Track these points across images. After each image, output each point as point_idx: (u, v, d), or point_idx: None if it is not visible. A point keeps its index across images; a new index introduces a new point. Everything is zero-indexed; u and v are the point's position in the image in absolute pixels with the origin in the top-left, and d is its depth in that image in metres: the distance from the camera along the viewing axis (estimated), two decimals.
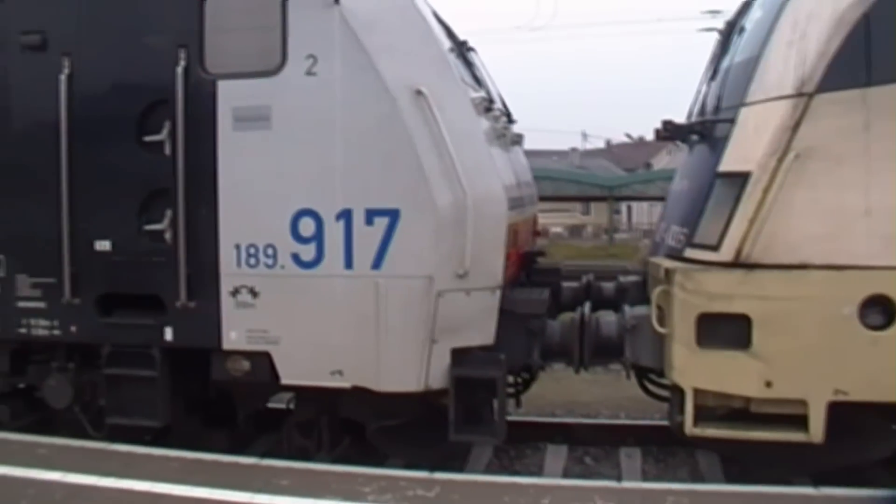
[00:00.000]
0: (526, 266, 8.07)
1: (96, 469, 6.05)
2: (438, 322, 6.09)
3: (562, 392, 10.46)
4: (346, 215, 6.15)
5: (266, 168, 6.31)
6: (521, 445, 8.57)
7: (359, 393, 6.34)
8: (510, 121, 8.37)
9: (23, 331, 7.06)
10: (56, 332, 6.96)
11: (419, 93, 6.04)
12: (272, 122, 6.29)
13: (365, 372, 6.21)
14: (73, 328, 6.90)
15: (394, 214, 6.06)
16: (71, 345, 7.13)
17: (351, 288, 6.17)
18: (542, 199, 11.82)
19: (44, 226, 6.86)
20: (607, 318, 7.06)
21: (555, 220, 53.43)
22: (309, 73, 6.19)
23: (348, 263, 6.17)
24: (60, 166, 6.76)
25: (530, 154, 8.83)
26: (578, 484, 6.36)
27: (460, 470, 7.49)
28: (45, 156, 6.82)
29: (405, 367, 6.16)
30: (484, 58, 8.50)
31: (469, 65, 7.67)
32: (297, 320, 6.32)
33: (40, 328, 7.01)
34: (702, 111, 7.45)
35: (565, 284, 8.29)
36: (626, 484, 6.35)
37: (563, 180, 44.93)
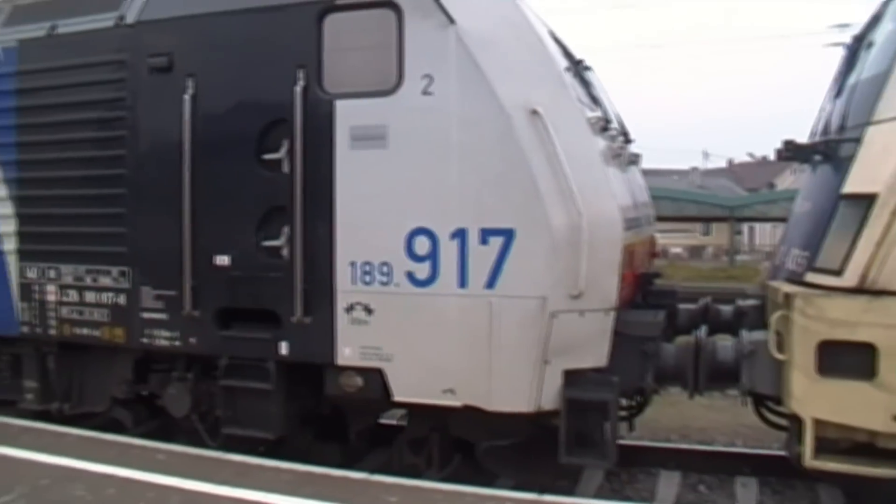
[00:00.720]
0: (642, 287, 7.92)
1: (211, 477, 6.20)
2: (551, 343, 6.02)
3: (676, 417, 10.23)
4: (461, 234, 6.15)
5: (382, 186, 6.37)
6: (633, 469, 8.40)
7: (470, 412, 6.32)
8: (627, 140, 8.25)
9: (146, 341, 7.30)
10: (176, 342, 7.17)
11: (535, 112, 6.00)
12: (388, 141, 6.34)
13: (477, 391, 6.18)
14: (192, 339, 7.10)
15: (508, 234, 6.03)
16: (190, 355, 7.33)
17: (465, 307, 6.15)
18: (662, 219, 11.63)
19: (167, 240, 7.08)
20: (724, 342, 6.86)
21: (674, 241, 52.51)
22: (425, 92, 6.22)
23: (462, 282, 6.16)
24: (183, 183, 6.98)
25: (650, 173, 8.70)
26: None
27: (570, 492, 7.38)
28: (169, 173, 7.06)
29: (517, 387, 6.11)
30: (604, 76, 8.41)
31: (586, 84, 7.59)
32: (410, 338, 6.34)
33: (162, 339, 7.23)
34: (825, 130, 7.17)
35: (682, 307, 8.09)
36: None
37: (684, 200, 44.05)
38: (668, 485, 8.10)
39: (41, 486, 6.04)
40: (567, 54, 7.49)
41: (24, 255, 7.95)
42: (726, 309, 7.96)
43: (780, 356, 5.97)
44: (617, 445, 6.26)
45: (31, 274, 7.91)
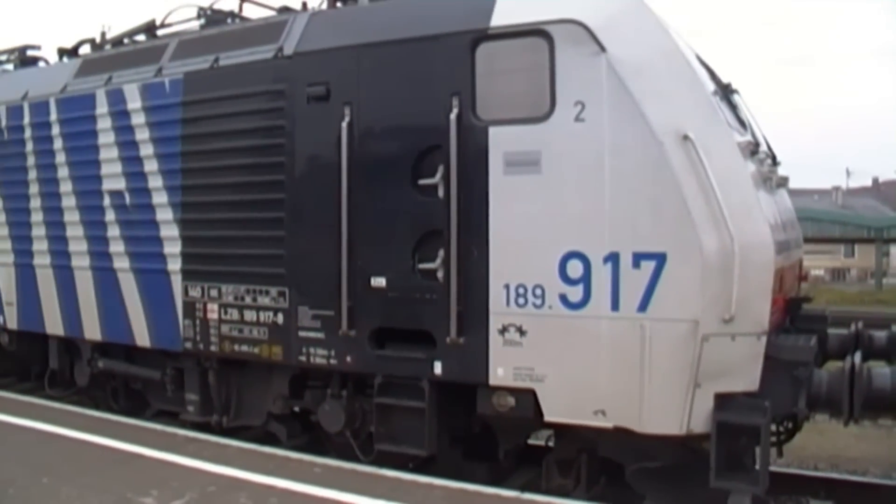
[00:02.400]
0: (791, 311, 7.82)
1: (367, 491, 6.42)
2: (703, 366, 6.02)
3: (825, 445, 10.03)
4: (613, 258, 6.22)
5: (536, 211, 6.49)
6: (781, 497, 8.31)
7: (619, 434, 6.37)
8: (775, 163, 8.19)
9: (302, 358, 7.61)
10: (333, 361, 7.44)
11: (686, 137, 6.04)
12: (542, 166, 6.46)
13: (628, 413, 6.23)
14: (348, 358, 7.35)
15: (660, 258, 6.07)
16: (345, 373, 7.61)
17: (617, 329, 6.22)
18: (807, 241, 11.39)
19: (324, 262, 7.36)
20: (880, 369, 6.74)
21: (816, 263, 50.90)
22: (577, 119, 6.32)
23: (615, 305, 6.22)
24: (341, 207, 7.26)
25: (789, 193, 8.56)
26: None
27: None
28: (327, 197, 7.34)
29: (668, 409, 6.13)
30: (746, 92, 8.36)
31: (733, 107, 7.59)
32: (562, 359, 6.43)
33: (318, 356, 7.52)
34: None
35: (832, 332, 7.94)
36: None
37: (827, 221, 42.72)
38: None
39: (209, 493, 6.42)
40: (714, 78, 7.50)
41: (187, 275, 8.41)
42: (880, 335, 7.79)
43: None
44: (768, 472, 6.20)
45: (194, 293, 8.36)
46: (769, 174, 7.14)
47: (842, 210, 54.51)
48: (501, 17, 6.67)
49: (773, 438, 7.30)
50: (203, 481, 6.68)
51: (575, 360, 6.38)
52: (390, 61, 7.14)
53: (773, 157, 8.22)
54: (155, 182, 8.58)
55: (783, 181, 8.09)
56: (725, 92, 7.60)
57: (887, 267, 54.25)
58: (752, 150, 6.87)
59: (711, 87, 6.97)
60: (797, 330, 7.55)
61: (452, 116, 6.74)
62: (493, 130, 6.67)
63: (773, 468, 7.74)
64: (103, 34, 10.42)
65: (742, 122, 7.58)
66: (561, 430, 7.11)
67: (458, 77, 6.79)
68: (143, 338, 8.85)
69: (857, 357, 6.81)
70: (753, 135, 7.62)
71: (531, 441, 8.09)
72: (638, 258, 6.15)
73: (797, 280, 8.35)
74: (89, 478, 6.76)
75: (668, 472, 6.81)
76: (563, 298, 6.40)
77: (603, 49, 6.27)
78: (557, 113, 6.41)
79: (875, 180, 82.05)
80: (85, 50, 10.52)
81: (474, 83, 6.76)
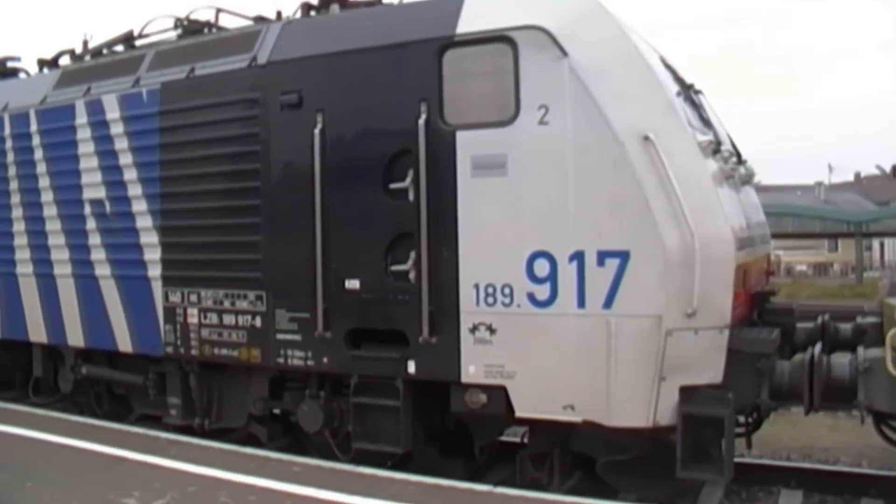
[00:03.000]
0: (757, 306, 8.01)
1: (344, 487, 6.59)
2: (667, 360, 6.21)
3: (798, 436, 10.21)
4: (578, 257, 6.40)
5: (503, 212, 6.67)
6: (753, 488, 8.49)
7: (590, 428, 6.55)
8: (740, 160, 8.37)
9: (280, 360, 7.77)
10: (310, 362, 7.61)
11: (647, 138, 6.23)
12: (508, 168, 6.64)
13: (596, 407, 6.41)
14: (324, 359, 7.52)
15: (624, 256, 6.26)
16: (322, 374, 7.77)
17: (583, 326, 6.40)
18: (784, 236, 11.62)
19: (300, 266, 7.53)
20: (840, 359, 6.94)
21: (799, 258, 51.25)
22: (541, 122, 6.51)
23: (581, 303, 6.41)
24: (315, 211, 7.43)
25: (773, 189, 8.84)
26: None
27: None
28: (301, 202, 7.52)
29: (634, 403, 6.32)
30: (720, 89, 8.53)
31: (697, 107, 7.78)
32: (531, 356, 6.61)
33: (296, 358, 7.68)
34: None
35: (800, 325, 8.13)
36: None
37: (807, 216, 43.08)
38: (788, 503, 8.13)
39: (190, 493, 6.57)
40: (678, 79, 7.70)
41: (167, 281, 8.57)
42: (845, 327, 7.99)
43: None
44: (733, 461, 6.37)
45: (174, 298, 8.52)
46: (731, 172, 7.32)
47: (823, 205, 54.86)
48: (467, 25, 6.86)
49: (741, 430, 7.51)
50: (184, 482, 6.83)
51: (544, 357, 6.56)
52: (360, 69, 7.32)
53: (739, 155, 8.41)
54: (134, 190, 8.74)
55: (748, 178, 8.30)
56: (688, 92, 7.79)
57: (870, 261, 54.66)
58: (714, 148, 7.05)
59: (674, 88, 7.17)
60: (764, 323, 7.76)
61: (421, 122, 6.92)
62: (460, 135, 6.85)
63: (746, 459, 8.02)
64: (85, 44, 10.59)
65: (705, 122, 7.78)
66: (535, 425, 7.27)
67: (426, 83, 6.98)
68: (125, 343, 9.00)
69: (818, 348, 7.00)
70: (716, 134, 7.81)
71: (506, 438, 8.25)
72: (602, 256, 6.33)
73: (765, 274, 8.54)
74: (72, 481, 6.90)
75: (638, 464, 6.97)
76: (531, 297, 6.58)
77: (565, 53, 6.45)
78: (522, 116, 6.60)
79: (857, 175, 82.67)
80: (65, 61, 10.66)
81: (441, 89, 6.95)
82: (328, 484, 6.69)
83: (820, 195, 64.03)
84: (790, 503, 8.16)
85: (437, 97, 6.95)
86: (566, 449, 7.26)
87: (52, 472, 7.19)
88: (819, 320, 8.14)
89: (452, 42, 6.90)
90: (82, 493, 6.60)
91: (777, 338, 6.91)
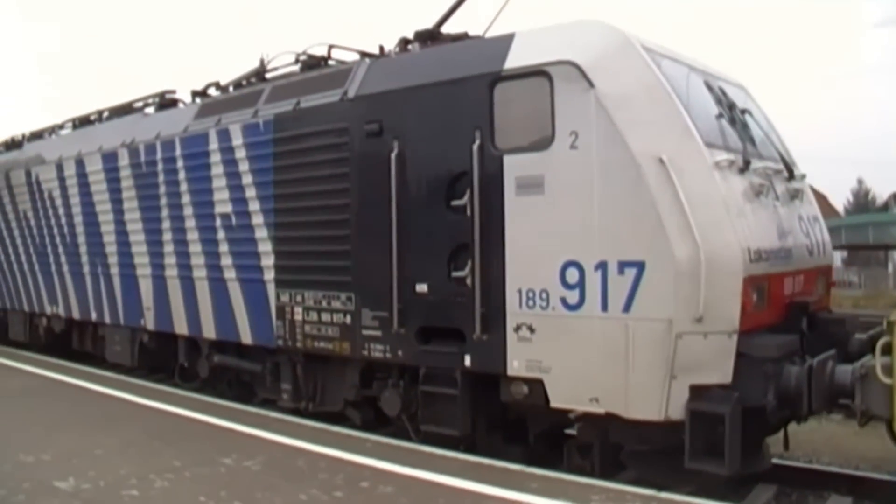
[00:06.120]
0: (803, 314, 8.17)
1: (399, 460, 7.64)
2: (677, 360, 6.87)
3: (858, 444, 10.42)
4: (602, 266, 7.20)
5: (541, 226, 7.56)
6: (804, 491, 8.83)
7: (625, 422, 7.23)
8: (791, 176, 8.74)
9: (365, 353, 8.98)
10: (388, 354, 8.76)
11: (661, 160, 6.96)
12: (545, 188, 7.53)
13: (616, 400, 7.18)
14: (399, 352, 8.66)
15: (640, 265, 7.01)
16: (400, 366, 8.91)
17: (606, 327, 7.19)
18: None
19: (381, 271, 8.69)
20: (843, 366, 7.36)
21: None
22: (572, 146, 7.35)
23: (604, 307, 7.20)
24: (392, 225, 8.58)
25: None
26: None
27: None
28: (381, 217, 8.68)
29: (648, 398, 7.02)
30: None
31: (741, 126, 8.32)
32: (563, 353, 7.46)
33: (377, 351, 8.87)
34: None
35: (857, 336, 8.29)
36: None
37: None
38: None
39: (274, 458, 7.84)
40: (723, 100, 8.31)
41: (278, 283, 9.99)
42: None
43: (885, 380, 6.50)
44: (738, 456, 6.78)
45: (284, 298, 9.91)
46: (760, 188, 7.80)
47: None
48: (513, 61, 7.82)
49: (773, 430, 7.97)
50: (273, 449, 8.13)
51: (573, 354, 7.40)
52: (428, 101, 8.41)
53: (790, 171, 8.76)
54: (254, 206, 10.23)
55: (796, 193, 8.70)
56: (732, 113, 8.37)
57: None
58: (741, 167, 7.63)
59: (715, 110, 7.84)
60: (814, 333, 8.09)
61: (475, 147, 7.91)
62: (507, 158, 7.80)
63: (796, 464, 8.34)
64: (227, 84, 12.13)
65: (749, 140, 8.30)
66: (583, 418, 8.04)
67: (480, 113, 7.97)
68: (246, 336, 10.53)
69: (826, 355, 7.43)
70: (758, 151, 8.30)
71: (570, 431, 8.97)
72: (622, 266, 7.12)
73: (811, 285, 8.81)
74: (188, 444, 8.41)
75: (665, 456, 7.48)
76: (564, 301, 7.45)
77: (592, 85, 7.28)
78: (556, 142, 7.48)
79: None
80: (212, 92, 12.30)
81: (493, 118, 7.92)
82: (391, 457, 7.76)
83: None
84: None
85: (489, 125, 7.92)
86: (606, 440, 7.98)
87: (175, 436, 8.78)
88: (870, 332, 8.34)
89: (501, 76, 7.86)
90: (193, 452, 8.06)
91: (787, 343, 7.34)
